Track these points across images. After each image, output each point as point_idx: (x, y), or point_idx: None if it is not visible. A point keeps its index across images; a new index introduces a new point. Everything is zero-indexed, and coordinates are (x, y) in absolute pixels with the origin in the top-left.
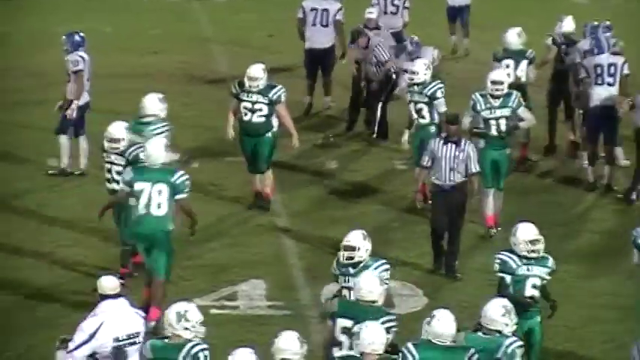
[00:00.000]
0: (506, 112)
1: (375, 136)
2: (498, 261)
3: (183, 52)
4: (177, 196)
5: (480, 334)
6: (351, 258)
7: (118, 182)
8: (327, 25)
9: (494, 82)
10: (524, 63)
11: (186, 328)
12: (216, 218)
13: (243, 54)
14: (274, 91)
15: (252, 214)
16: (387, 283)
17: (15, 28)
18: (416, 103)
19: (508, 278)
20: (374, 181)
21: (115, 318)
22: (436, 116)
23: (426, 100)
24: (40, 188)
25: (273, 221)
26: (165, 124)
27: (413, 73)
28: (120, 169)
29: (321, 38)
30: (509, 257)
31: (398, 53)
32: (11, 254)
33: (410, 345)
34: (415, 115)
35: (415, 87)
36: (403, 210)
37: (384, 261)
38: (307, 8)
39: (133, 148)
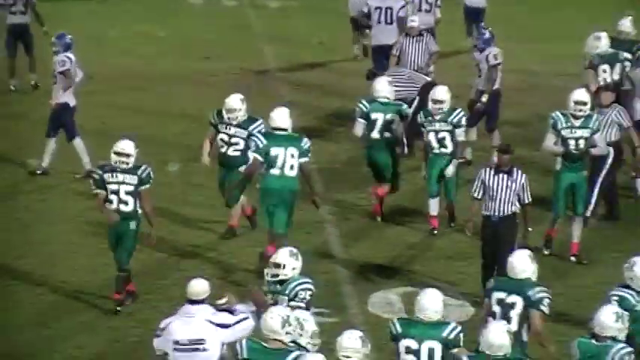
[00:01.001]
0: (587, 133)
1: (406, 153)
2: (616, 298)
3: (236, 57)
4: (301, 160)
5: (593, 341)
6: (276, 275)
7: (126, 203)
8: (391, 23)
9: (577, 103)
10: (619, 66)
11: (289, 333)
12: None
13: (294, 59)
14: (254, 125)
15: (302, 219)
16: (302, 303)
17: (71, 33)
18: (437, 132)
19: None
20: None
21: (183, 322)
22: (450, 145)
23: (450, 128)
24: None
25: (324, 226)
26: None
27: (438, 102)
28: (131, 189)
29: (385, 35)
30: (627, 293)
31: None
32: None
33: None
34: (436, 145)
35: (437, 115)
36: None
37: (304, 279)
38: (372, 7)
39: (143, 168)
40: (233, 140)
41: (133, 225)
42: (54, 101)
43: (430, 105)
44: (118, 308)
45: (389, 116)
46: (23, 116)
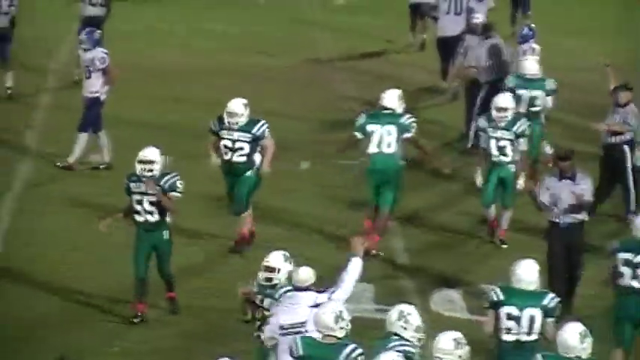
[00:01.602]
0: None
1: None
2: None
3: (295, 51)
4: (404, 135)
5: None
6: (270, 279)
7: (151, 213)
8: (460, 13)
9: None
10: None
11: (342, 328)
12: (324, 220)
13: (354, 51)
14: (257, 126)
15: (361, 216)
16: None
17: (138, 27)
18: (498, 139)
19: None
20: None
21: (288, 307)
22: (510, 153)
23: (512, 137)
24: None
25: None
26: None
27: (502, 110)
28: (154, 199)
29: (453, 26)
30: None
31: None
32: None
33: None
34: (496, 152)
35: (501, 122)
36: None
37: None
38: None
39: (169, 177)
40: (237, 145)
41: (166, 235)
42: (86, 94)
43: (494, 113)
44: (135, 320)
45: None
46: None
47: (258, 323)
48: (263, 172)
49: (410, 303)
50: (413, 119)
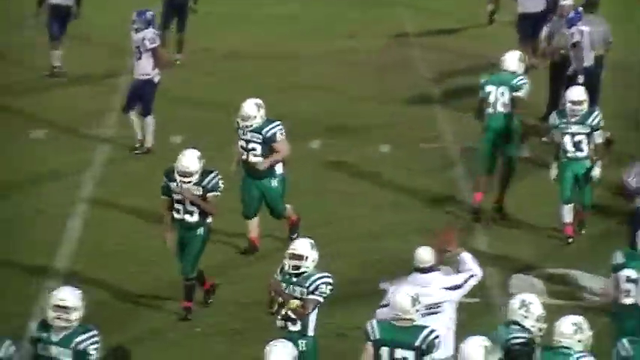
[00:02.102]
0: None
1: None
2: None
3: (378, 35)
4: (515, 93)
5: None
6: (297, 267)
7: (191, 213)
8: None
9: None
10: None
11: (419, 311)
12: (404, 207)
13: (437, 41)
14: (268, 128)
15: (438, 201)
16: (322, 296)
17: (214, 9)
18: (573, 134)
19: None
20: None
21: (419, 290)
22: (586, 148)
23: (588, 131)
24: None
25: (462, 207)
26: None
27: (577, 103)
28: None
29: (534, 3)
30: None
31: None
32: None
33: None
34: (571, 148)
35: (574, 117)
36: None
37: (325, 274)
38: None
39: (211, 177)
40: (250, 146)
41: (200, 231)
42: (137, 76)
43: (568, 106)
44: (189, 317)
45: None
46: (162, 94)
47: (283, 313)
48: (257, 165)
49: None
50: (524, 81)
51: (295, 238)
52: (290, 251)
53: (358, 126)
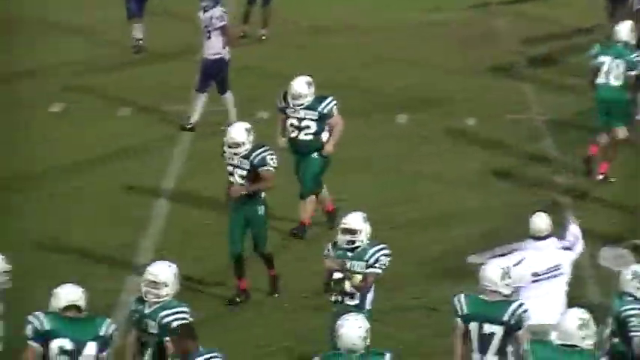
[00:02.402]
0: None
1: None
2: None
3: (463, 9)
4: (629, 72)
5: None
6: (352, 242)
7: (240, 186)
8: None
9: None
10: None
11: (508, 285)
12: (490, 180)
13: (521, 11)
14: (324, 104)
15: (525, 173)
16: (382, 269)
17: None
18: None
19: None
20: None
21: (537, 255)
22: None
23: None
24: None
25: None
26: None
27: None
28: (244, 173)
29: None
30: None
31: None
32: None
33: None
34: None
35: None
36: None
37: (383, 245)
38: None
39: (259, 151)
40: (304, 124)
41: (260, 210)
42: (208, 56)
43: None
44: (238, 299)
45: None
46: (247, 69)
47: (341, 288)
48: (326, 151)
49: None
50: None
51: (334, 226)
52: (343, 226)
53: (443, 99)
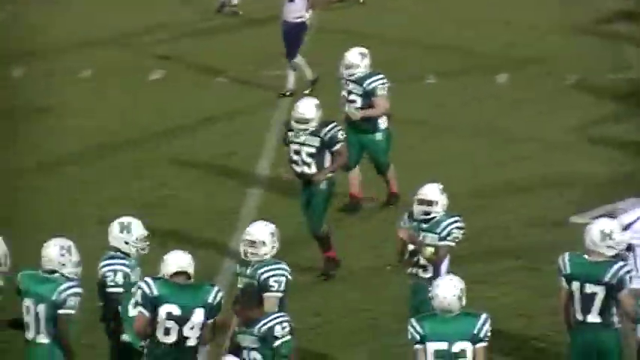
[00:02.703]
0: None
1: None
2: None
3: None
4: None
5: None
6: (428, 213)
7: (308, 165)
8: None
9: None
10: None
11: (610, 247)
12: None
13: None
14: (372, 79)
15: (628, 134)
16: (455, 242)
17: None
18: None
19: None
20: None
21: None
22: None
23: None
24: None
25: None
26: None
27: None
28: (312, 150)
29: None
30: None
31: None
32: None
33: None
34: None
35: None
36: None
37: (457, 218)
38: None
39: (329, 128)
40: (351, 97)
41: (323, 185)
42: (290, 19)
43: None
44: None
45: None
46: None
47: (415, 260)
48: (351, 115)
49: None
50: None
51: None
52: (419, 197)
53: (544, 58)
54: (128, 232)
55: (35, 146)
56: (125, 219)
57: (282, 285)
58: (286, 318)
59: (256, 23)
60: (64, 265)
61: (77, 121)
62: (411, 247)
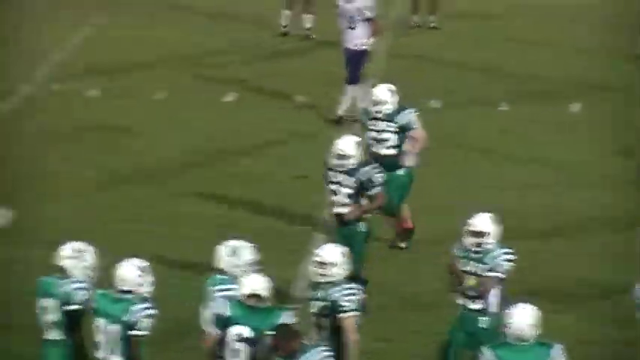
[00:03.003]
0: None
1: None
2: None
3: None
4: None
5: None
6: (479, 245)
7: (345, 206)
8: None
9: None
10: None
11: None
12: None
13: None
14: (402, 114)
15: None
16: (504, 274)
17: None
18: None
19: None
20: None
21: None
22: None
23: None
24: None
25: None
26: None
27: None
28: (349, 191)
29: None
30: None
31: None
32: None
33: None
34: None
35: None
36: None
37: (508, 250)
38: None
39: (367, 169)
40: (383, 136)
41: (361, 227)
42: (352, 46)
43: None
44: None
45: None
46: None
47: (461, 290)
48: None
49: None
50: None
51: (404, 247)
52: (470, 228)
53: (587, 81)
54: (237, 255)
55: (105, 165)
56: (234, 242)
57: (356, 304)
58: (329, 354)
59: (328, 45)
60: (140, 285)
61: (150, 141)
62: (459, 277)
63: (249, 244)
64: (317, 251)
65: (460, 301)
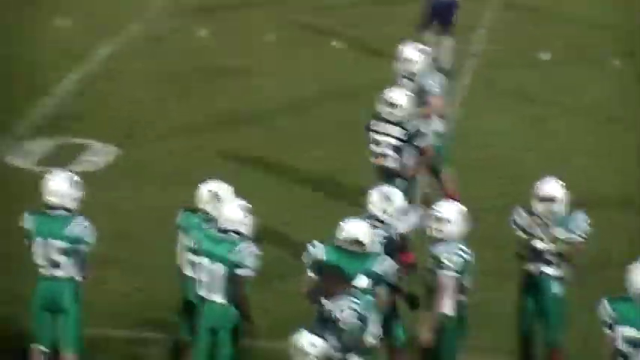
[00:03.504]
0: None
1: None
2: None
3: None
4: None
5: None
6: (551, 211)
7: (386, 157)
8: None
9: None
10: None
11: None
12: None
13: None
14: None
15: None
16: (584, 238)
17: None
18: None
19: None
20: None
21: None
22: None
23: None
24: None
25: None
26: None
27: None
28: (396, 142)
29: None
30: None
31: None
32: None
33: None
34: None
35: None
36: None
37: (583, 213)
38: None
39: (416, 122)
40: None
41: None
42: None
43: None
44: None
45: None
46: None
47: (535, 255)
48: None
49: None
50: None
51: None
52: (540, 194)
53: None
54: (389, 201)
55: (214, 105)
56: (387, 188)
57: (458, 266)
58: (356, 304)
59: None
60: (245, 225)
61: (260, 81)
62: (532, 242)
63: (399, 191)
64: (435, 206)
65: (532, 266)
